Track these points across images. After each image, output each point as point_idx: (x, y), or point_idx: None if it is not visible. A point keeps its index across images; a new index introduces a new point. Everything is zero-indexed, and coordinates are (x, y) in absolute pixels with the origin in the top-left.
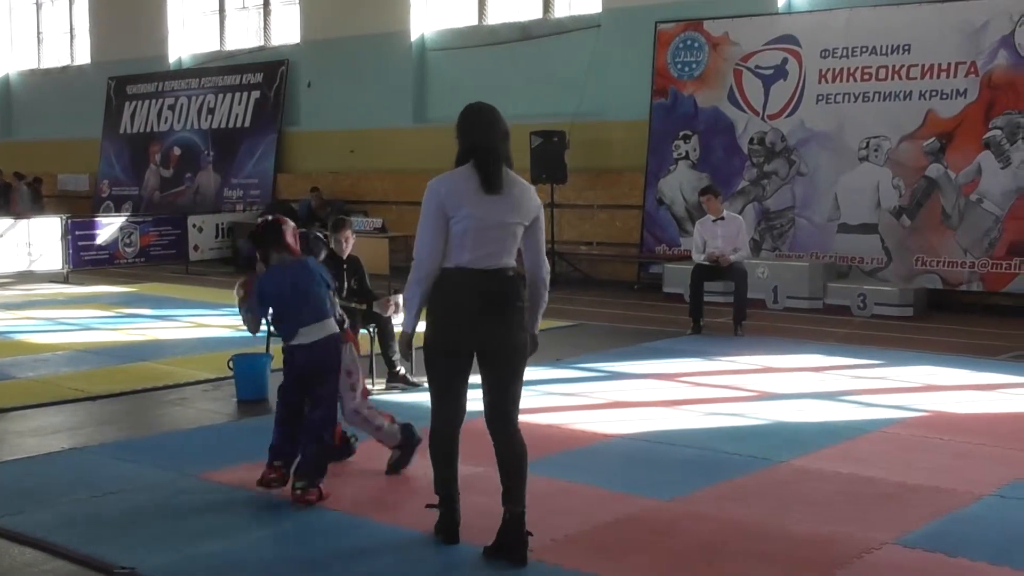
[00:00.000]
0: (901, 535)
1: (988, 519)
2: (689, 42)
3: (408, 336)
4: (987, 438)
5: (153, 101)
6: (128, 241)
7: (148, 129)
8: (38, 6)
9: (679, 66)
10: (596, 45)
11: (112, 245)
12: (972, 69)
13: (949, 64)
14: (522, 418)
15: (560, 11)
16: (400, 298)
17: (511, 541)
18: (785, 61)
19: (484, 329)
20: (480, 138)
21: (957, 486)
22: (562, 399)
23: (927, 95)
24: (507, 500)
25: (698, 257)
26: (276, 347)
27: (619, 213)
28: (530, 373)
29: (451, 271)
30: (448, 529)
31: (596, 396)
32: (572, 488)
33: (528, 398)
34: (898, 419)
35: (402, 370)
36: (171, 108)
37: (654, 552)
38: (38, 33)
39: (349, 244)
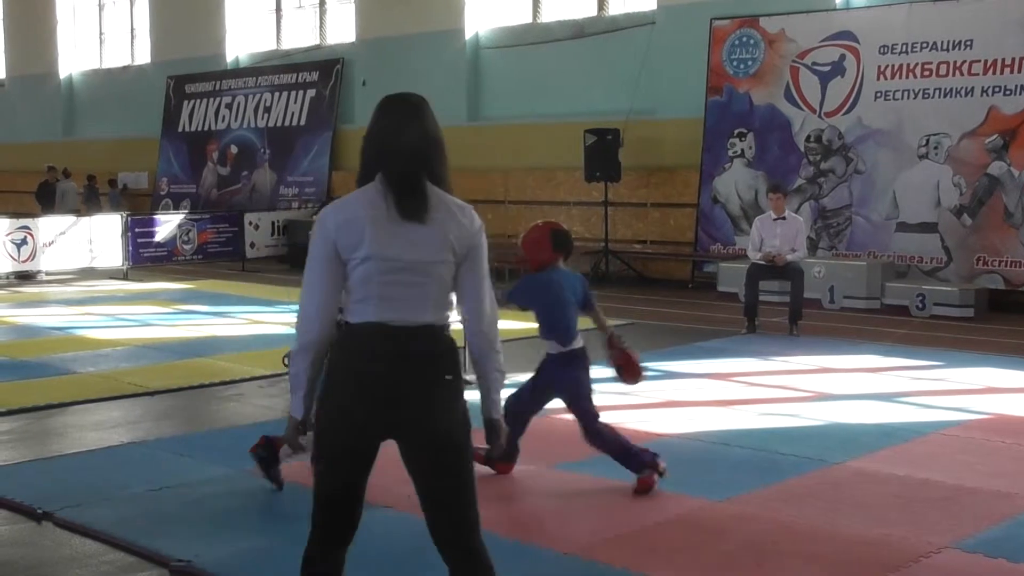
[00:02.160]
0: (959, 539)
1: None
2: (745, 39)
3: (295, 423)
4: None
5: (211, 100)
6: (186, 238)
7: (206, 127)
8: (100, 7)
9: (734, 63)
10: (650, 42)
11: (170, 242)
12: None
13: (1013, 59)
14: (569, 416)
15: (615, 8)
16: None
17: None
18: (843, 58)
19: (394, 412)
20: (390, 143)
21: (1019, 490)
22: (615, 398)
23: (990, 91)
24: None
25: (754, 255)
26: None
27: (673, 211)
28: None
29: (353, 327)
30: None
31: (650, 395)
32: (624, 487)
33: None
34: (957, 421)
35: None
36: (228, 107)
37: (704, 553)
38: (100, 34)
39: None
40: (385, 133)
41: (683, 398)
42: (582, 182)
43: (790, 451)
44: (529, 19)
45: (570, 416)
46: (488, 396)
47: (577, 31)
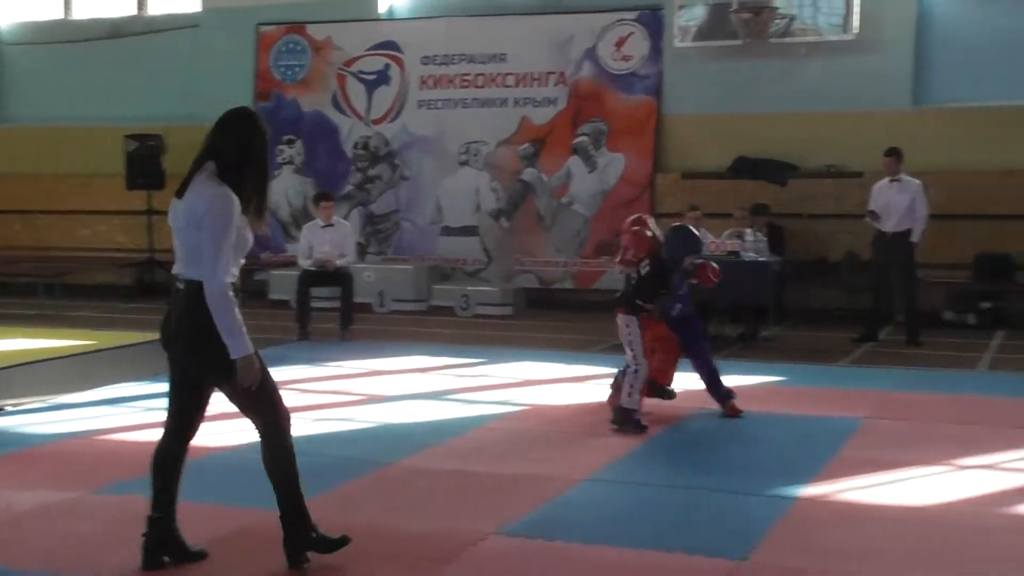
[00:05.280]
0: (504, 525)
1: (582, 502)
2: (292, 45)
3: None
4: (582, 426)
5: None
6: None
7: None
8: None
9: (282, 69)
10: (195, 46)
11: None
12: (561, 79)
13: (541, 73)
14: (121, 436)
15: (155, 9)
16: None
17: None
18: (388, 67)
19: (167, 339)
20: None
21: (555, 474)
22: (156, 415)
23: (521, 102)
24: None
25: (305, 263)
26: None
27: None
28: (126, 389)
29: None
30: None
31: (207, 408)
32: (184, 506)
33: (127, 415)
34: (500, 414)
35: None
36: None
37: (268, 562)
38: None
39: None
40: None
41: (234, 409)
42: (123, 190)
43: (345, 454)
44: (60, 15)
45: (112, 436)
46: (224, 338)
47: (113, 31)
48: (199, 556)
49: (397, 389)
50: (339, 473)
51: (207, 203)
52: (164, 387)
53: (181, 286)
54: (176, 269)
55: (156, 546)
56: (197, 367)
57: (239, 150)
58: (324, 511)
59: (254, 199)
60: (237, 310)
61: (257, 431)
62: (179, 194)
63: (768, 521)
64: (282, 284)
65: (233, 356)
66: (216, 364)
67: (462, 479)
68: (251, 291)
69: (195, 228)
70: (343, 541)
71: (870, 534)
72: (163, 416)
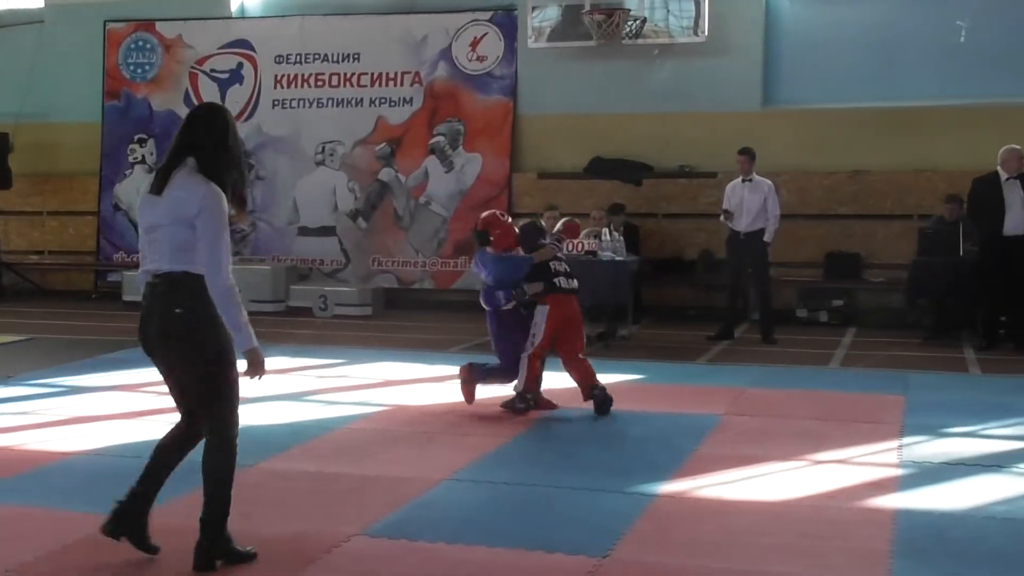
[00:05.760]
0: (367, 526)
1: (445, 502)
2: (141, 43)
3: None
4: (443, 426)
5: None
6: None
7: None
8: None
9: (132, 67)
10: (40, 42)
11: None
12: (417, 79)
13: (396, 73)
14: None
15: None
16: None
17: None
18: (241, 65)
19: (144, 332)
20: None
21: (417, 474)
22: (15, 419)
23: (377, 102)
24: None
25: None
26: None
27: (72, 220)
28: None
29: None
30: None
31: (53, 413)
32: (30, 513)
33: None
34: (361, 415)
35: None
36: None
37: (126, 569)
38: None
39: None
40: None
41: (91, 413)
42: None
43: (200, 457)
44: None
45: None
46: (234, 331)
47: None
48: (153, 550)
49: (255, 391)
50: (195, 477)
51: (201, 200)
52: (9, 391)
53: (158, 281)
54: (150, 266)
55: (122, 517)
56: (179, 354)
57: (218, 144)
58: (181, 515)
59: (237, 192)
60: (241, 303)
61: (206, 428)
62: (157, 190)
63: (629, 518)
64: (135, 285)
65: (241, 349)
66: (198, 352)
67: (323, 481)
68: (104, 293)
69: (184, 224)
70: (252, 556)
71: (729, 528)
72: (8, 420)
